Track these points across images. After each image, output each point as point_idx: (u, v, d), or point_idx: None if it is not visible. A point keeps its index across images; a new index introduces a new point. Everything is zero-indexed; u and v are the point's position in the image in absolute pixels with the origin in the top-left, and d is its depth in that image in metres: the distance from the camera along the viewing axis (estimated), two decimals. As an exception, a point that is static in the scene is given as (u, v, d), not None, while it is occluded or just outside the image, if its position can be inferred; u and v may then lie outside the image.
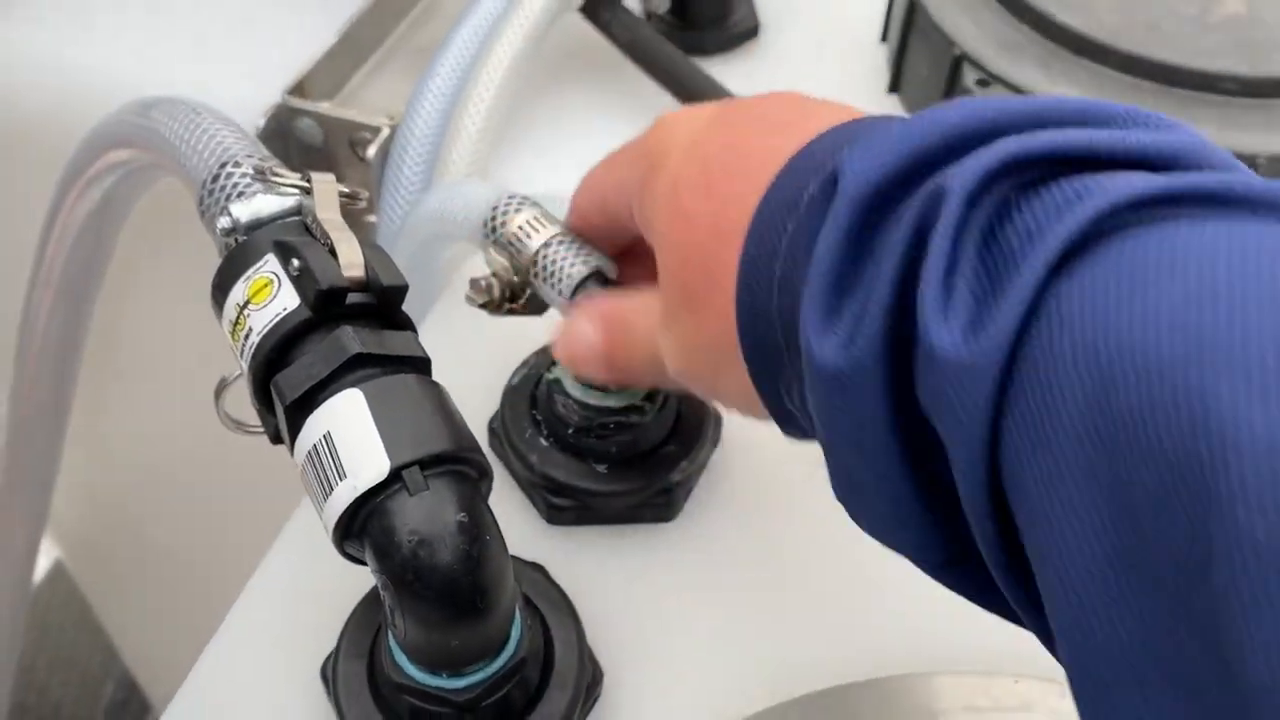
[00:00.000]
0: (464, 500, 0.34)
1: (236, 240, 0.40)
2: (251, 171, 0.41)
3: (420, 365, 0.38)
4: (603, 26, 0.65)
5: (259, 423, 0.44)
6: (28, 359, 0.73)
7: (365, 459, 0.34)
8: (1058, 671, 0.24)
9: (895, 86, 0.66)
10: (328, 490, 0.35)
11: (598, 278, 0.43)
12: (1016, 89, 0.57)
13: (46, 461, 0.83)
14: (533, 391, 0.47)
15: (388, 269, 0.38)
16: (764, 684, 0.42)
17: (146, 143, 0.49)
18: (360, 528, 0.34)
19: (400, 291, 0.39)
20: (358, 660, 0.39)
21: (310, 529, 0.45)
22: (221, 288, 0.39)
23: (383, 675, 0.38)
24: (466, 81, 0.60)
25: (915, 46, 0.62)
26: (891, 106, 0.66)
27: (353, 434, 0.34)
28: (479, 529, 0.34)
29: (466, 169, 0.59)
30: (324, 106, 0.63)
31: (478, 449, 0.36)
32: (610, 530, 0.46)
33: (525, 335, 0.49)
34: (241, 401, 0.40)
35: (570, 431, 0.45)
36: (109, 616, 1.23)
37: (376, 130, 0.62)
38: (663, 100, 0.64)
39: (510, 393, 0.48)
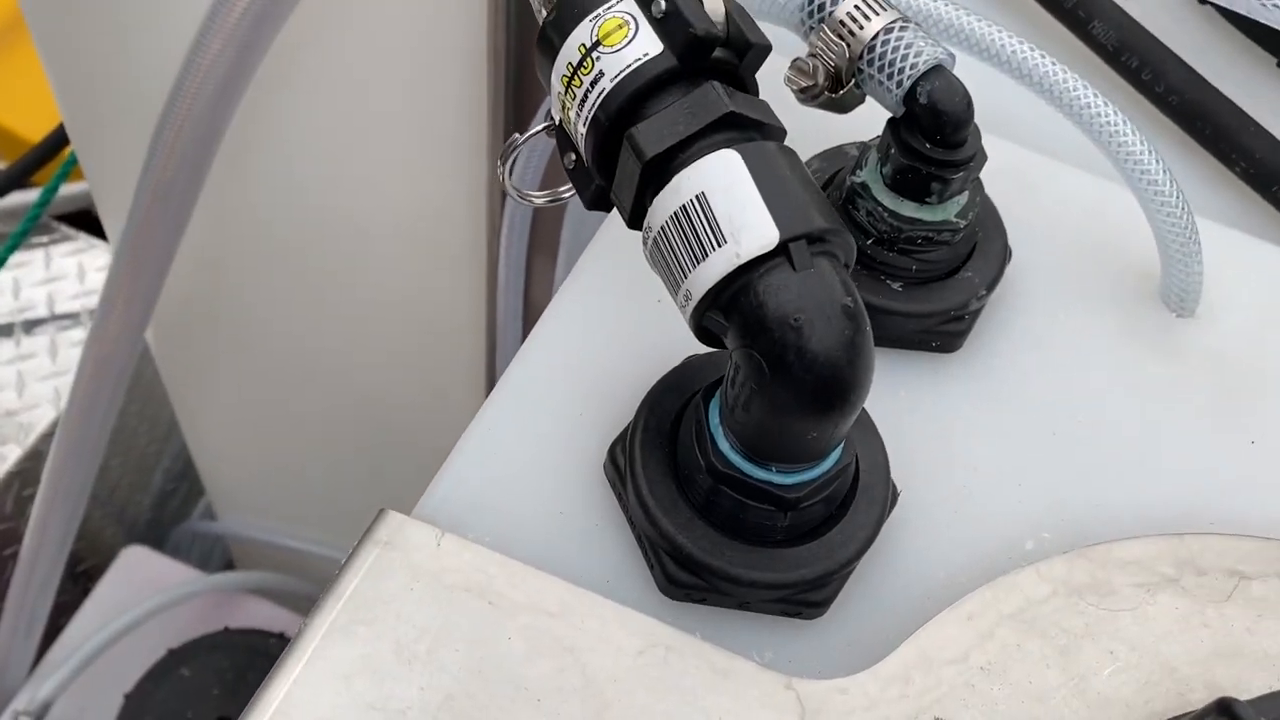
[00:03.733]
0: (846, 284, 0.32)
1: (575, -23, 0.36)
2: (590, -97, 0.37)
3: (779, 134, 0.35)
4: None
5: (542, 190, 0.42)
6: (176, 114, 0.69)
7: (750, 226, 0.31)
8: None
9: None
10: (699, 256, 0.32)
11: (940, 71, 0.39)
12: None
13: (172, 234, 0.80)
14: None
15: (751, 25, 0.35)
16: (1050, 525, 0.40)
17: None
18: (730, 300, 0.32)
19: (764, 52, 0.35)
20: (656, 448, 0.37)
21: (584, 306, 0.43)
22: (559, 26, 0.35)
23: (691, 463, 0.36)
24: None
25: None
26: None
27: (733, 198, 0.31)
28: (860, 316, 0.31)
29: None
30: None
31: (846, 229, 0.33)
32: (892, 354, 0.43)
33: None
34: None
35: (870, 242, 0.42)
36: (181, 401, 1.21)
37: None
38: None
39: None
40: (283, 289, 0.97)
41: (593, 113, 0.34)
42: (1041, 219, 0.48)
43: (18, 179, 1.35)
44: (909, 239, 0.41)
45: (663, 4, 0.34)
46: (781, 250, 0.31)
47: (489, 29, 0.66)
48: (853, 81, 0.40)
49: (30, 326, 1.32)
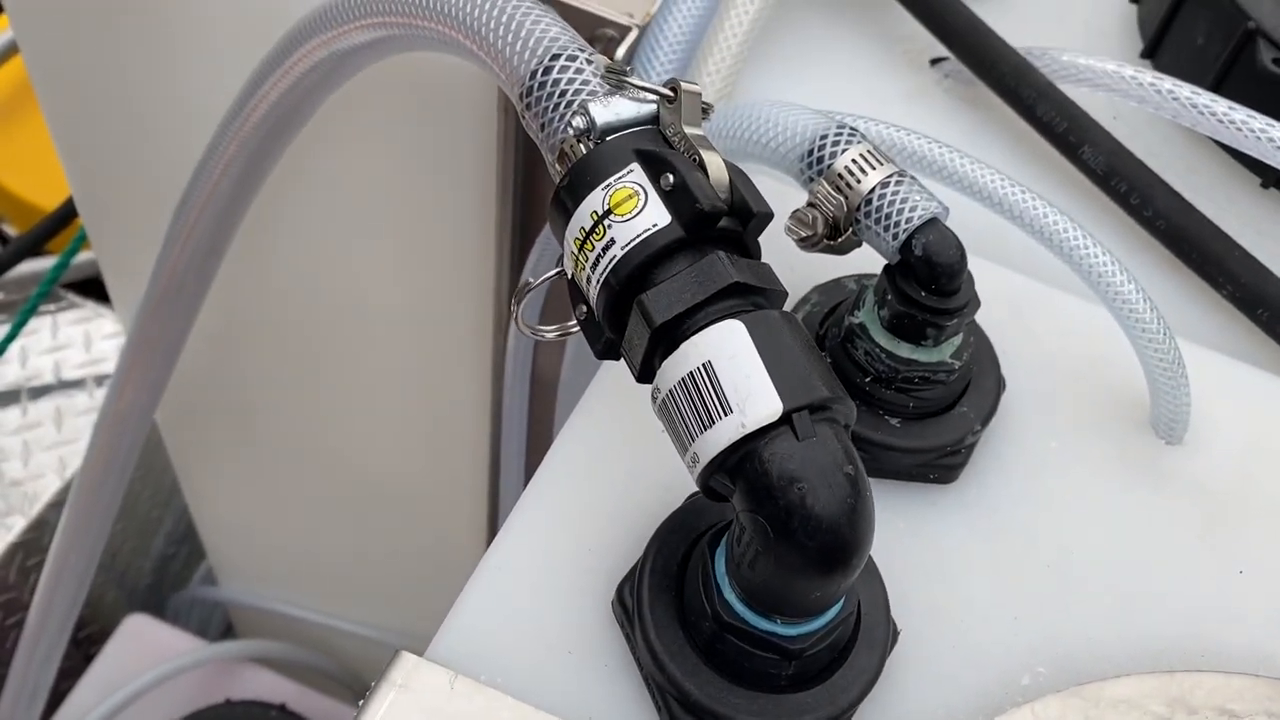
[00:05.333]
0: (848, 450, 0.33)
1: (587, 143, 0.38)
2: (603, 71, 0.39)
3: (780, 299, 0.36)
4: (859, -51, 0.62)
5: (547, 326, 0.43)
6: (190, 212, 0.71)
7: (754, 396, 0.33)
8: None
9: (1152, 52, 0.63)
10: (705, 423, 0.33)
11: (934, 224, 0.41)
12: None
13: (184, 321, 0.81)
14: (819, 331, 0.46)
15: (754, 194, 0.37)
16: (1045, 659, 0.41)
17: (419, 13, 0.46)
18: (735, 465, 0.33)
19: (766, 219, 0.37)
20: (664, 590, 0.38)
21: (589, 444, 0.44)
22: (573, 192, 0.37)
23: (697, 609, 0.37)
24: (727, -8, 0.58)
25: (1190, 11, 0.60)
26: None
27: (738, 368, 0.33)
28: (861, 482, 0.33)
29: (721, 85, 0.57)
30: (566, -4, 0.60)
31: (847, 396, 0.34)
32: (891, 486, 0.44)
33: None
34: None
35: (868, 380, 0.43)
36: (186, 471, 1.22)
37: (624, 29, 0.59)
38: (913, 28, 0.61)
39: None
40: (289, 368, 0.99)
41: (604, 276, 0.36)
42: (1033, 347, 0.49)
43: (30, 248, 1.37)
44: (906, 378, 0.43)
45: (671, 178, 0.35)
46: (785, 420, 0.32)
47: (499, 135, 0.67)
48: (850, 230, 0.42)
49: (36, 394, 1.34)
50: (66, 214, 1.36)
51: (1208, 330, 0.54)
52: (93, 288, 1.43)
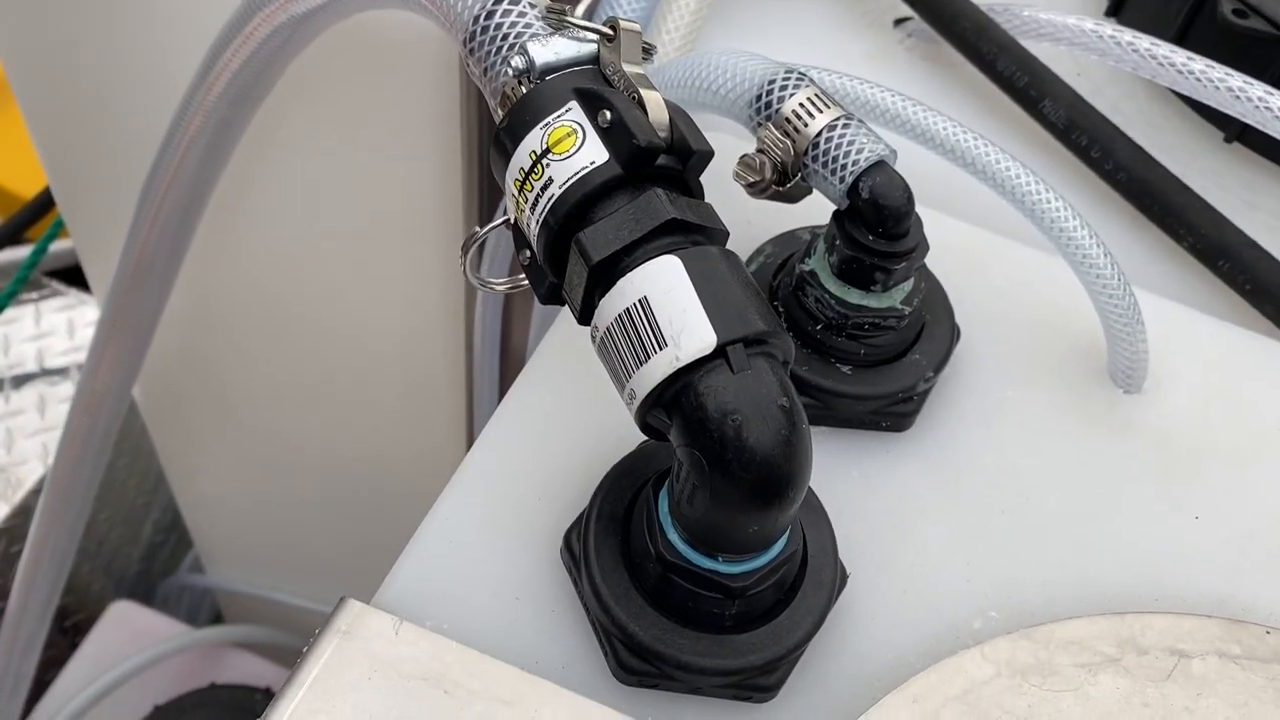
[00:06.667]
0: (783, 384, 0.33)
1: (527, 83, 0.37)
2: (543, 12, 0.38)
3: (721, 237, 0.36)
4: (821, -91, 0.62)
5: (498, 278, 0.43)
6: (157, 188, 0.71)
7: (689, 330, 0.32)
8: None
9: (1117, 9, 0.63)
10: (641, 358, 0.33)
11: (881, 167, 0.40)
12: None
13: (156, 299, 0.81)
14: (771, 282, 0.45)
15: (694, 132, 0.36)
16: (997, 604, 0.41)
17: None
18: (671, 400, 0.33)
19: (706, 158, 0.37)
20: (610, 535, 0.38)
21: (541, 394, 0.44)
22: (512, 132, 0.37)
23: (642, 551, 0.37)
24: (687, -51, 0.57)
25: (1153, -32, 0.59)
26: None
27: (673, 302, 0.33)
28: (797, 414, 0.33)
29: (680, 43, 0.56)
30: (526, -43, 0.60)
31: (785, 331, 0.34)
32: (844, 435, 0.44)
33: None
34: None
35: (819, 328, 0.43)
36: (169, 456, 1.22)
37: (584, -12, 0.59)
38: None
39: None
40: (265, 350, 0.99)
41: (543, 216, 0.36)
42: (989, 297, 0.49)
43: (11, 235, 1.37)
44: (856, 324, 0.42)
45: (608, 114, 0.35)
46: (720, 353, 0.32)
47: (461, 99, 0.67)
48: (798, 176, 0.42)
49: (19, 382, 1.33)
50: (45, 202, 1.36)
51: (1169, 282, 0.53)
52: (76, 275, 1.43)
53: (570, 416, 0.43)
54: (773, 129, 0.41)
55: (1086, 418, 0.47)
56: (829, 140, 0.41)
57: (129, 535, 1.43)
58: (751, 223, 0.49)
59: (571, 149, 0.35)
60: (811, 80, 0.42)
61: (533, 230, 0.36)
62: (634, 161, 0.35)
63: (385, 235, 0.80)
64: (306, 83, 0.69)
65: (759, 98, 0.42)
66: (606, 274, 0.34)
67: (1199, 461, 0.46)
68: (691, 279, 0.33)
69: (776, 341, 0.33)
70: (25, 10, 0.77)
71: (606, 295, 0.34)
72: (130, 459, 1.37)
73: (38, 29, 0.78)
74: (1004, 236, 0.52)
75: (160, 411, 1.16)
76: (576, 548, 0.38)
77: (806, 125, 0.41)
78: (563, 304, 0.38)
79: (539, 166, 0.36)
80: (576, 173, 0.35)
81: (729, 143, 0.46)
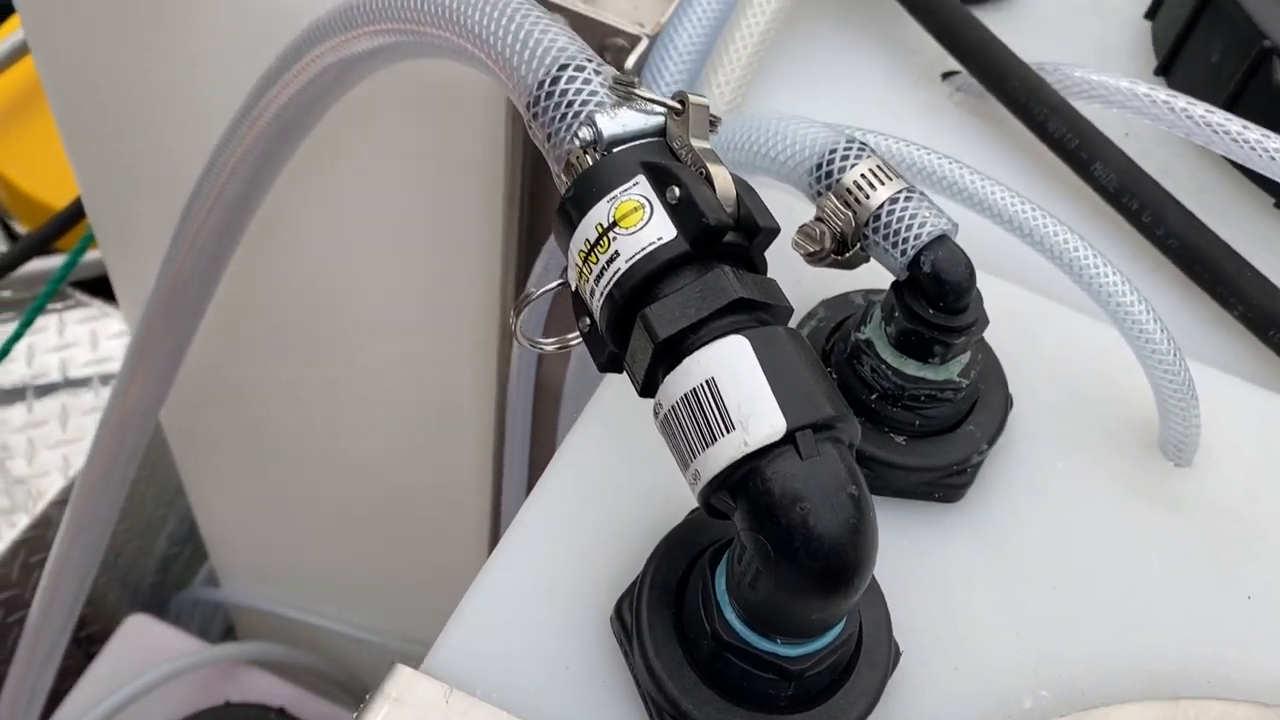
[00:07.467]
0: (851, 470, 0.33)
1: (593, 154, 0.37)
2: (610, 81, 0.38)
3: (785, 315, 0.36)
4: (872, -39, 0.62)
5: (549, 338, 0.43)
6: (196, 215, 0.71)
7: (757, 414, 0.32)
8: None
9: (1166, 69, 0.62)
10: (707, 439, 0.33)
11: (944, 241, 0.40)
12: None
13: (189, 323, 0.81)
14: (825, 346, 0.45)
15: (760, 209, 0.36)
16: (1048, 681, 0.41)
17: (427, 20, 0.46)
18: (737, 484, 0.33)
19: (773, 234, 0.36)
20: (663, 607, 0.38)
21: (590, 457, 0.44)
22: (578, 203, 0.37)
23: (696, 627, 0.36)
24: (739, 3, 0.57)
25: (1206, 28, 0.59)
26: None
27: (741, 385, 0.33)
28: (865, 502, 0.32)
29: (730, 96, 0.56)
30: (578, 4, 0.60)
31: (852, 414, 0.34)
32: (895, 504, 0.44)
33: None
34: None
35: (874, 397, 0.43)
36: (189, 471, 1.22)
37: (634, 39, 0.58)
38: (924, 41, 0.61)
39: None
40: (295, 372, 0.99)
41: (608, 289, 0.35)
42: (1042, 365, 0.49)
43: (39, 246, 1.37)
44: (913, 396, 0.42)
45: (676, 190, 0.35)
46: (788, 438, 0.32)
47: (506, 140, 0.67)
48: (858, 246, 0.42)
49: (42, 393, 1.34)
50: (75, 213, 1.36)
51: (1218, 351, 0.53)
52: (100, 286, 1.43)
53: (619, 478, 0.43)
54: (833, 199, 0.41)
55: (1138, 491, 0.46)
56: (891, 213, 0.40)
57: (144, 547, 1.44)
58: (801, 282, 0.49)
59: (639, 224, 0.35)
60: (873, 150, 0.42)
61: (596, 301, 0.36)
62: (702, 239, 0.34)
63: (422, 265, 0.80)
64: (351, 116, 0.69)
65: (819, 166, 0.42)
66: (672, 351, 0.34)
67: (1251, 538, 0.46)
68: (759, 360, 0.33)
69: (844, 425, 0.33)
70: (69, 30, 0.77)
71: (672, 373, 0.34)
72: (149, 471, 1.37)
73: (80, 50, 0.78)
74: (1051, 299, 0.51)
75: (183, 427, 1.16)
76: (628, 618, 0.38)
77: (868, 197, 0.41)
78: (620, 372, 0.38)
79: (605, 239, 0.36)
80: (644, 248, 0.35)
81: (779, 199, 0.46)
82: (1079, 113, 0.56)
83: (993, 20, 0.66)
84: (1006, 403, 0.45)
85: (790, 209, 0.45)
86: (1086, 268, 0.44)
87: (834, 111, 0.62)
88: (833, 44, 0.63)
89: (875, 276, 0.45)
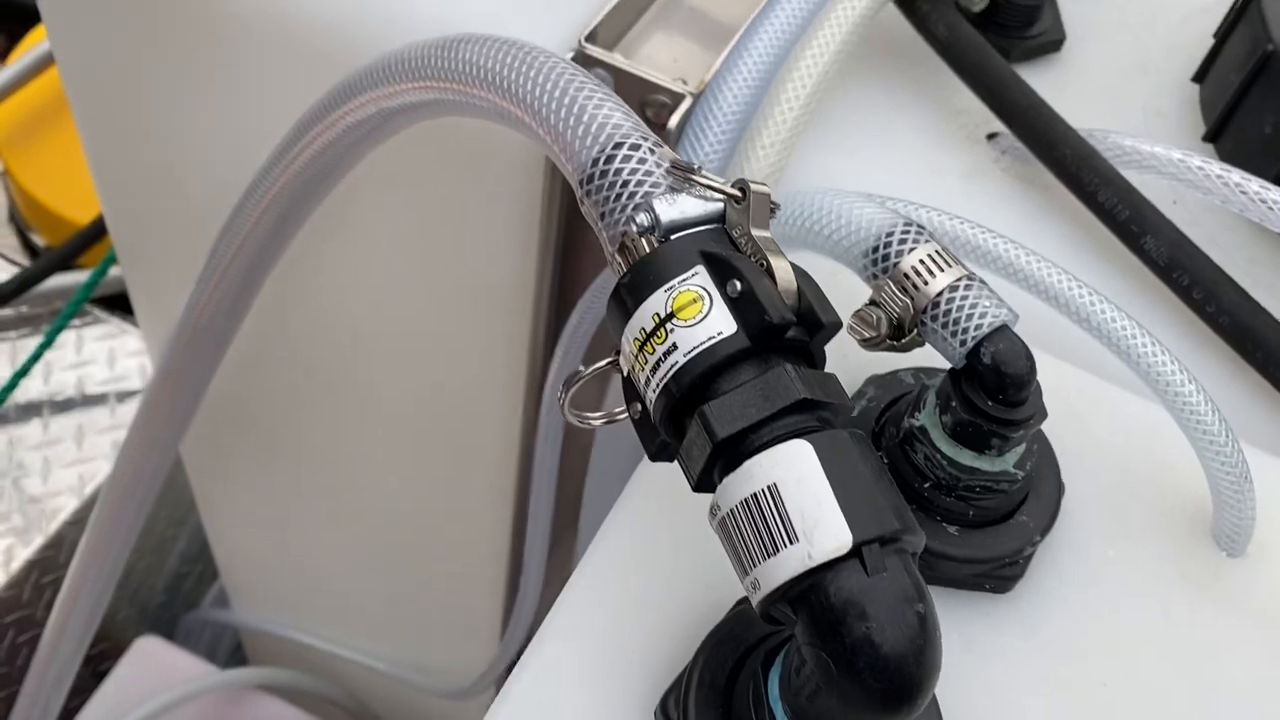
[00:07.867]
0: (918, 586, 0.32)
1: (650, 240, 0.36)
2: (668, 164, 0.38)
3: (846, 413, 0.35)
4: (919, 19, 0.61)
5: (594, 412, 0.42)
6: (224, 255, 0.70)
7: (823, 526, 0.31)
8: None
9: (1215, 136, 0.61)
10: (769, 549, 0.32)
11: (1004, 332, 0.39)
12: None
13: (212, 357, 0.81)
14: (874, 428, 0.44)
15: (822, 303, 0.35)
16: (1100, 787, 0.40)
17: (476, 83, 0.45)
18: (799, 596, 0.32)
19: (834, 330, 0.35)
20: (711, 706, 0.37)
21: (631, 540, 0.43)
22: (634, 291, 0.36)
23: (746, 729, 0.36)
24: (785, 63, 0.56)
25: (1259, 97, 0.58)
26: (1207, 155, 0.62)
27: (805, 493, 0.32)
28: (930, 620, 0.31)
29: (776, 158, 0.56)
30: (619, 59, 0.59)
31: (918, 527, 0.33)
32: (945, 594, 0.43)
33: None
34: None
35: (926, 485, 0.42)
36: (204, 494, 1.21)
37: (678, 97, 0.58)
38: (968, 102, 0.60)
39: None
40: (316, 403, 0.98)
41: (664, 382, 0.34)
42: (1093, 447, 0.48)
43: (60, 263, 1.37)
44: (968, 486, 0.41)
45: (737, 285, 0.34)
46: (855, 553, 0.31)
47: (543, 192, 0.66)
48: (914, 331, 0.41)
49: (58, 410, 1.33)
50: (98, 230, 1.36)
51: (1271, 432, 0.52)
52: (119, 303, 1.43)
53: (663, 562, 0.42)
54: (891, 284, 0.40)
55: (1190, 583, 0.45)
56: (950, 301, 0.40)
57: (155, 565, 1.43)
58: (848, 356, 0.48)
59: (698, 316, 0.34)
60: (930, 235, 0.41)
61: (651, 392, 0.35)
62: (763, 336, 0.34)
63: (453, 306, 0.79)
64: (385, 162, 0.68)
65: (875, 249, 0.41)
66: (730, 450, 0.33)
67: (1306, 635, 0.45)
68: (824, 467, 0.32)
69: (910, 538, 0.32)
70: (97, 54, 0.77)
71: (732, 474, 0.33)
72: (162, 489, 1.37)
73: (108, 72, 0.78)
74: (1099, 376, 0.50)
75: (199, 450, 1.15)
76: (675, 715, 0.37)
77: (927, 284, 0.40)
78: (671, 461, 0.37)
79: (662, 330, 0.35)
80: (703, 342, 0.34)
81: (821, 263, 0.45)
82: (1129, 183, 0.55)
83: (1038, 79, 0.65)
84: (1059, 490, 0.44)
85: (835, 274, 0.44)
86: (1143, 354, 0.43)
87: (878, 172, 0.61)
88: (879, 103, 0.62)
89: (925, 355, 0.44)
